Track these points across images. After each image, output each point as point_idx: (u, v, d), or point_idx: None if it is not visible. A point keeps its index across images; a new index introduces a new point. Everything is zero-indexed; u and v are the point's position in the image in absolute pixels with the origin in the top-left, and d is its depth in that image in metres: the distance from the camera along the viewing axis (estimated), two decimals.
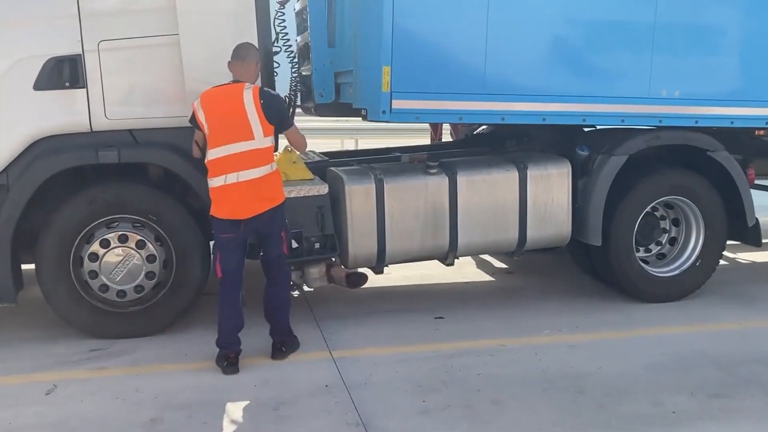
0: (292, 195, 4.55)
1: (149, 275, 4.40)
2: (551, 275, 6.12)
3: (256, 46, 4.18)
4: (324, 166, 5.16)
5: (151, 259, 4.39)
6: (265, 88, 4.13)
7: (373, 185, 4.73)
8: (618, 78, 4.96)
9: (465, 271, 6.21)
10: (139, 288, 4.39)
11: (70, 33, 4.10)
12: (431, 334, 4.68)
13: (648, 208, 5.25)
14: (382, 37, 4.44)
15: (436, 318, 4.98)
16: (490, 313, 5.09)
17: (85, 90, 4.17)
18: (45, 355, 4.20)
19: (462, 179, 4.89)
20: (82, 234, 4.27)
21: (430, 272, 5.92)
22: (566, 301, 5.38)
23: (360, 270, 4.96)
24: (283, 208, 4.19)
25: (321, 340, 4.50)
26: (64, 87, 4.12)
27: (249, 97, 3.92)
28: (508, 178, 4.98)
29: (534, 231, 5.07)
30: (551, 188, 5.06)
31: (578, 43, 4.90)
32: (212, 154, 3.95)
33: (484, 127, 6.45)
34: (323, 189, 4.67)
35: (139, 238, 4.35)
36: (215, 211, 3.99)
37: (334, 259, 4.90)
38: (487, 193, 4.96)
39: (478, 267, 6.45)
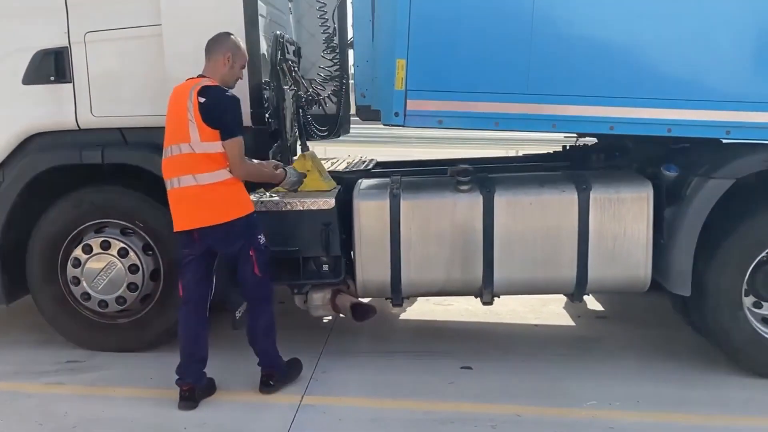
0: (289, 208, 4.05)
1: (131, 287, 4.14)
2: (653, 325, 4.95)
3: (233, 35, 3.69)
4: (356, 177, 4.59)
5: (133, 269, 4.13)
6: (214, 86, 3.57)
7: (387, 201, 4.06)
8: None
9: (543, 310, 5.26)
10: (120, 299, 4.16)
11: (57, 24, 3.98)
12: (441, 388, 3.90)
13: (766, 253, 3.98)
14: (396, 22, 3.78)
15: (462, 368, 4.17)
16: (533, 368, 4.17)
17: (71, 85, 4.03)
18: (21, 360, 4.14)
19: (501, 199, 4.04)
20: (69, 238, 4.14)
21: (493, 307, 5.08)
22: (648, 363, 4.27)
23: (367, 301, 4.31)
24: (246, 224, 3.67)
25: (305, 380, 3.93)
26: (50, 81, 4.02)
27: (192, 94, 3.50)
28: (564, 200, 4.03)
29: (598, 270, 4.05)
30: (623, 217, 4.01)
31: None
32: (164, 154, 3.63)
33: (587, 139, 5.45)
34: (328, 202, 4.09)
35: (121, 245, 4.11)
36: (174, 223, 3.64)
37: (349, 287, 4.31)
38: (534, 218, 4.05)
39: (565, 306, 5.43)
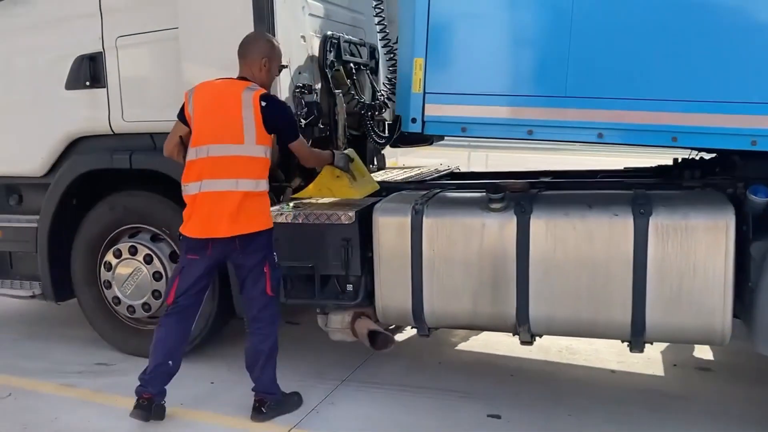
0: (307, 221, 3.79)
1: (155, 294, 4.15)
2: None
3: (267, 36, 3.60)
4: (398, 188, 4.22)
5: (157, 276, 4.13)
6: (274, 97, 3.60)
7: (408, 218, 3.65)
8: None
9: (632, 354, 4.46)
10: (146, 306, 4.18)
11: (94, 30, 4.08)
12: None
13: None
14: (414, 15, 3.38)
15: (488, 416, 3.62)
16: (580, 426, 3.50)
17: (105, 90, 4.12)
18: (57, 357, 4.31)
19: (538, 221, 3.45)
20: (107, 241, 4.24)
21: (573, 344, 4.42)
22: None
23: (384, 329, 3.90)
24: (268, 238, 3.57)
25: (304, 411, 3.64)
26: (86, 86, 4.14)
27: (248, 97, 3.45)
28: (616, 226, 3.34)
29: (659, 315, 3.32)
30: (693, 250, 3.23)
31: None
32: (192, 154, 3.46)
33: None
34: (348, 216, 3.77)
35: (147, 252, 4.13)
36: (183, 226, 3.49)
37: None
38: (579, 245, 3.40)
39: (664, 351, 4.57)
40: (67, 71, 4.18)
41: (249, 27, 3.66)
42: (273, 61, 3.62)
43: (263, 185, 3.51)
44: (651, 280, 3.29)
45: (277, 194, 4.39)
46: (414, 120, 3.44)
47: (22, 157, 4.48)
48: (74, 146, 4.35)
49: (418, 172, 5.19)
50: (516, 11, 3.28)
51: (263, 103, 3.44)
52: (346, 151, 4.17)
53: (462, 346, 4.66)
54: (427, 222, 3.62)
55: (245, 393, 3.65)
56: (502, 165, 13.75)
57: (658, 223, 3.27)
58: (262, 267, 3.50)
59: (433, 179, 4.74)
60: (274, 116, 3.47)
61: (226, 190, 3.39)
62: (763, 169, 3.67)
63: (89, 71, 4.13)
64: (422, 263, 3.64)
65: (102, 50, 4.11)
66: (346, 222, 3.77)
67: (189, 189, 3.46)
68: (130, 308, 4.23)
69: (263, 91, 3.52)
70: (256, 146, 3.44)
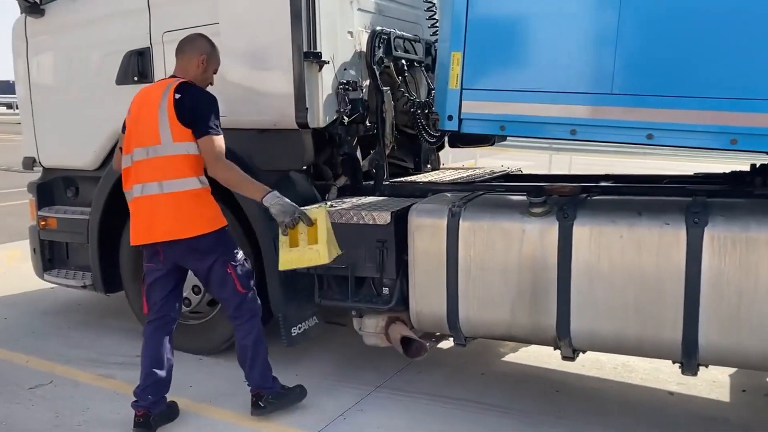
0: (341, 221, 3.69)
1: (195, 289, 4.17)
2: None
3: (208, 38, 3.51)
4: (442, 189, 4.07)
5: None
6: (191, 83, 3.37)
7: (444, 221, 3.48)
8: None
9: (692, 380, 4.07)
10: (186, 301, 4.19)
11: (142, 25, 4.14)
12: None
13: None
14: (453, 8, 3.22)
15: None
16: None
17: None
18: (104, 348, 4.40)
19: (582, 228, 3.21)
20: None
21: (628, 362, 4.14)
22: None
23: (419, 336, 3.74)
24: (218, 239, 3.41)
25: (327, 418, 3.53)
26: (134, 82, 4.20)
27: (167, 93, 3.31)
28: (666, 236, 3.06)
29: (714, 335, 3.02)
30: (754, 265, 2.91)
31: None
32: (125, 162, 3.43)
33: None
34: (384, 217, 3.64)
35: None
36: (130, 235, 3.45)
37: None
38: (625, 255, 3.14)
39: (733, 375, 4.19)
40: (117, 67, 4.28)
41: (286, 22, 3.59)
42: (211, 62, 3.47)
43: (192, 183, 3.30)
44: (705, 297, 2.99)
45: (321, 192, 4.35)
46: (450, 117, 3.29)
47: (76, 151, 4.63)
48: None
49: (471, 173, 5.01)
50: (559, 2, 3.06)
51: (177, 96, 3.27)
52: (315, 207, 3.49)
53: (509, 357, 4.44)
54: (464, 225, 3.45)
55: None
56: (583, 169, 13.36)
57: (714, 234, 2.97)
58: (224, 268, 3.40)
59: (484, 181, 4.55)
60: (186, 107, 3.26)
61: (153, 193, 3.29)
62: None
63: (137, 66, 4.20)
64: (458, 268, 3.47)
65: (149, 45, 4.17)
66: (382, 223, 3.65)
67: (127, 197, 3.43)
68: None
69: (181, 80, 3.35)
70: (174, 144, 3.26)
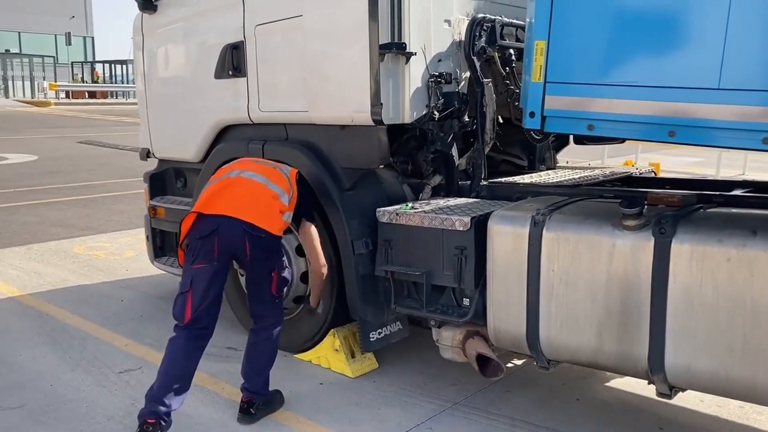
0: (419, 224, 3.48)
1: None
2: None
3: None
4: (542, 192, 3.72)
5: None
6: None
7: (527, 229, 3.15)
8: None
9: None
10: None
11: (237, 19, 4.15)
12: None
13: None
14: None
15: None
16: None
17: (245, 79, 4.18)
18: None
19: (681, 247, 2.75)
20: None
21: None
22: None
23: (498, 354, 3.44)
24: (281, 244, 3.60)
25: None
26: (229, 76, 4.23)
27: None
28: None
29: None
30: None
31: None
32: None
33: None
34: (464, 222, 3.37)
35: None
36: (197, 209, 3.38)
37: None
38: (733, 281, 2.65)
39: None
40: (215, 61, 4.35)
41: (365, 11, 3.42)
42: None
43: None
44: None
45: (415, 191, 4.16)
46: (532, 114, 2.95)
47: (182, 143, 4.81)
48: (224, 134, 4.54)
49: (587, 174, 4.55)
50: None
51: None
52: (339, 330, 4.06)
53: (614, 383, 3.98)
54: (547, 236, 3.11)
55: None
56: (759, 168, 11.90)
57: None
58: (271, 270, 3.46)
59: (594, 184, 4.11)
60: None
61: (256, 180, 3.49)
62: None
63: (232, 60, 4.24)
64: (539, 283, 3.14)
65: (243, 39, 4.19)
66: (461, 228, 3.40)
67: (218, 182, 3.58)
68: None
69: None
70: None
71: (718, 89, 2.49)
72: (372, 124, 3.58)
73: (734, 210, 3.03)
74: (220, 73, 4.36)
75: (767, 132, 2.44)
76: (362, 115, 3.57)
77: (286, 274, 3.62)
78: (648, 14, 2.65)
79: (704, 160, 13.43)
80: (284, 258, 3.62)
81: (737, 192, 3.63)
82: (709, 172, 12.02)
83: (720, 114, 2.53)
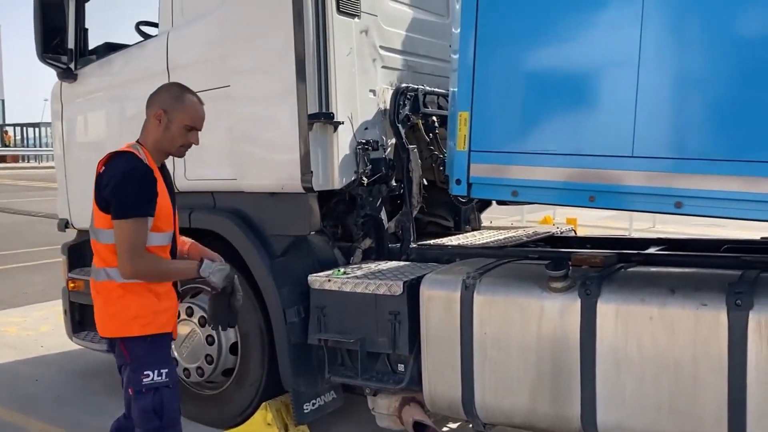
0: (352, 289, 3.47)
1: (208, 358, 4.01)
2: None
3: (176, 86, 3.00)
4: (470, 254, 3.78)
5: (209, 340, 4.00)
6: (123, 153, 2.80)
7: (458, 293, 3.20)
8: None
9: None
10: (199, 370, 4.05)
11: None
12: None
13: None
14: (459, 65, 3.00)
15: None
16: None
17: None
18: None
19: (606, 307, 2.85)
20: None
21: None
22: None
23: (434, 421, 3.43)
24: (133, 349, 2.79)
25: None
26: None
27: (97, 167, 2.87)
28: (704, 319, 2.66)
29: None
30: None
31: None
32: None
33: None
34: (396, 287, 3.39)
35: (202, 314, 4.01)
36: None
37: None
38: (656, 341, 2.76)
39: None
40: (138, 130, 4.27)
41: (292, 83, 3.48)
42: (174, 117, 2.82)
43: (117, 277, 2.75)
44: (752, 395, 2.57)
45: (346, 255, 4.17)
46: (458, 181, 3.04)
47: None
48: None
49: (512, 234, 4.68)
50: (572, 58, 2.78)
51: (102, 169, 2.78)
52: (270, 403, 3.76)
53: None
54: (478, 299, 3.16)
55: None
56: (672, 224, 12.52)
57: (761, 319, 2.55)
58: (127, 387, 2.85)
59: (519, 245, 4.23)
60: (102, 188, 2.73)
61: (102, 280, 2.81)
62: None
63: None
64: (473, 346, 3.17)
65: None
66: (393, 293, 3.41)
67: None
68: (186, 371, 4.13)
69: (117, 151, 2.82)
70: (97, 230, 2.79)
71: (632, 156, 2.65)
72: (302, 191, 3.59)
73: (652, 269, 3.18)
74: None
75: (680, 197, 2.60)
76: (293, 183, 3.58)
77: (155, 395, 2.79)
78: (564, 88, 2.81)
79: (617, 214, 14.03)
80: (146, 371, 2.79)
81: (653, 250, 3.82)
82: (623, 225, 12.57)
83: (635, 180, 2.68)
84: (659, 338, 2.75)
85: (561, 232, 4.92)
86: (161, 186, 2.82)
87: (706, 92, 2.54)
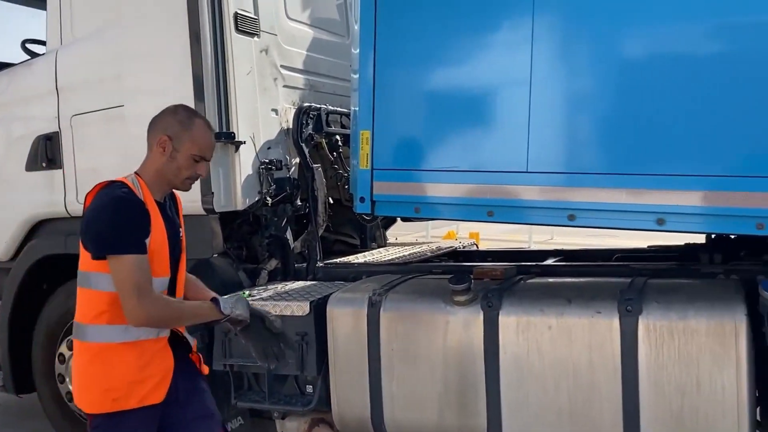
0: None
1: None
2: None
3: (181, 109, 2.62)
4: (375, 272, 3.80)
5: None
6: (111, 185, 2.47)
7: (364, 310, 3.21)
8: None
9: None
10: None
11: (51, 108, 3.95)
12: None
13: None
14: (360, 85, 3.03)
15: None
16: None
17: (61, 171, 3.95)
18: None
19: (508, 319, 2.93)
20: (63, 332, 3.98)
21: None
22: None
23: None
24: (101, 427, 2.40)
25: None
26: (42, 168, 3.99)
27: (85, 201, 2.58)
28: (598, 327, 2.78)
29: None
30: (696, 359, 2.63)
31: None
32: None
33: None
34: (303, 307, 3.36)
35: None
36: None
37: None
38: (556, 349, 2.85)
39: None
40: (26, 152, 4.07)
41: (190, 104, 3.39)
42: (180, 145, 2.46)
43: (101, 334, 2.38)
44: (644, 397, 2.70)
45: (251, 276, 4.09)
46: (362, 199, 3.07)
47: None
48: (37, 229, 4.19)
49: (416, 250, 4.75)
50: (468, 78, 2.88)
51: (88, 204, 2.47)
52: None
53: None
54: (384, 316, 3.17)
55: None
56: (565, 236, 13.05)
57: (649, 323, 2.70)
58: None
59: (423, 261, 4.29)
60: (85, 223, 2.42)
61: (76, 339, 2.47)
62: None
63: (45, 151, 3.98)
64: (380, 364, 3.18)
65: (58, 130, 3.96)
66: (300, 314, 3.37)
67: None
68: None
69: (100, 186, 2.49)
70: (84, 273, 2.43)
71: (527, 172, 2.75)
72: (203, 213, 3.50)
73: (550, 279, 3.30)
74: (32, 165, 4.07)
75: (571, 209, 2.72)
76: (193, 205, 3.48)
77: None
78: (461, 106, 2.89)
79: (518, 227, 14.52)
80: None
81: (550, 261, 3.97)
82: (523, 238, 13.01)
83: (530, 194, 2.78)
84: (558, 346, 2.84)
85: (463, 247, 5.03)
86: (157, 223, 2.43)
87: (592, 111, 2.69)
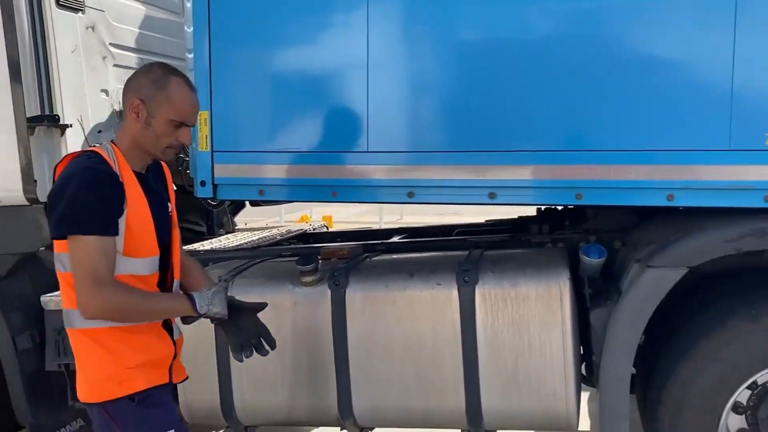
0: None
1: None
2: None
3: (157, 68, 2.29)
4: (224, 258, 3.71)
5: None
6: (79, 156, 2.23)
7: None
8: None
9: None
10: None
11: None
12: None
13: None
14: (195, 64, 2.93)
15: None
16: None
17: None
18: None
19: (354, 296, 2.98)
20: None
21: None
22: None
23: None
24: (104, 416, 2.23)
25: None
26: None
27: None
28: (438, 298, 2.91)
29: (496, 400, 2.88)
30: (527, 322, 2.82)
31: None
32: None
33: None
34: None
35: None
36: None
37: None
38: (400, 322, 2.95)
39: None
40: None
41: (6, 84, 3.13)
42: (157, 108, 2.18)
43: (80, 320, 2.17)
44: (483, 361, 2.85)
45: None
46: (203, 183, 2.96)
47: None
48: None
49: (266, 234, 4.69)
50: (307, 59, 2.86)
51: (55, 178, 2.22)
52: None
53: None
54: None
55: None
56: (414, 214, 13.50)
57: (485, 292, 2.85)
58: None
59: (272, 244, 4.25)
60: (50, 198, 2.17)
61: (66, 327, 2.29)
62: (617, 220, 3.36)
63: None
64: (228, 350, 3.12)
65: None
66: None
67: None
68: None
69: (71, 157, 2.24)
70: (56, 255, 2.21)
71: (368, 152, 2.80)
72: (26, 203, 3.24)
73: (395, 256, 3.39)
74: None
75: (410, 186, 2.80)
76: (13, 194, 3.21)
77: None
78: (301, 87, 2.87)
79: (369, 208, 14.81)
80: None
81: (396, 239, 4.07)
82: (374, 219, 13.28)
83: (371, 173, 2.83)
84: (403, 320, 2.93)
85: (314, 229, 5.03)
86: (136, 196, 2.19)
87: (428, 91, 2.78)
